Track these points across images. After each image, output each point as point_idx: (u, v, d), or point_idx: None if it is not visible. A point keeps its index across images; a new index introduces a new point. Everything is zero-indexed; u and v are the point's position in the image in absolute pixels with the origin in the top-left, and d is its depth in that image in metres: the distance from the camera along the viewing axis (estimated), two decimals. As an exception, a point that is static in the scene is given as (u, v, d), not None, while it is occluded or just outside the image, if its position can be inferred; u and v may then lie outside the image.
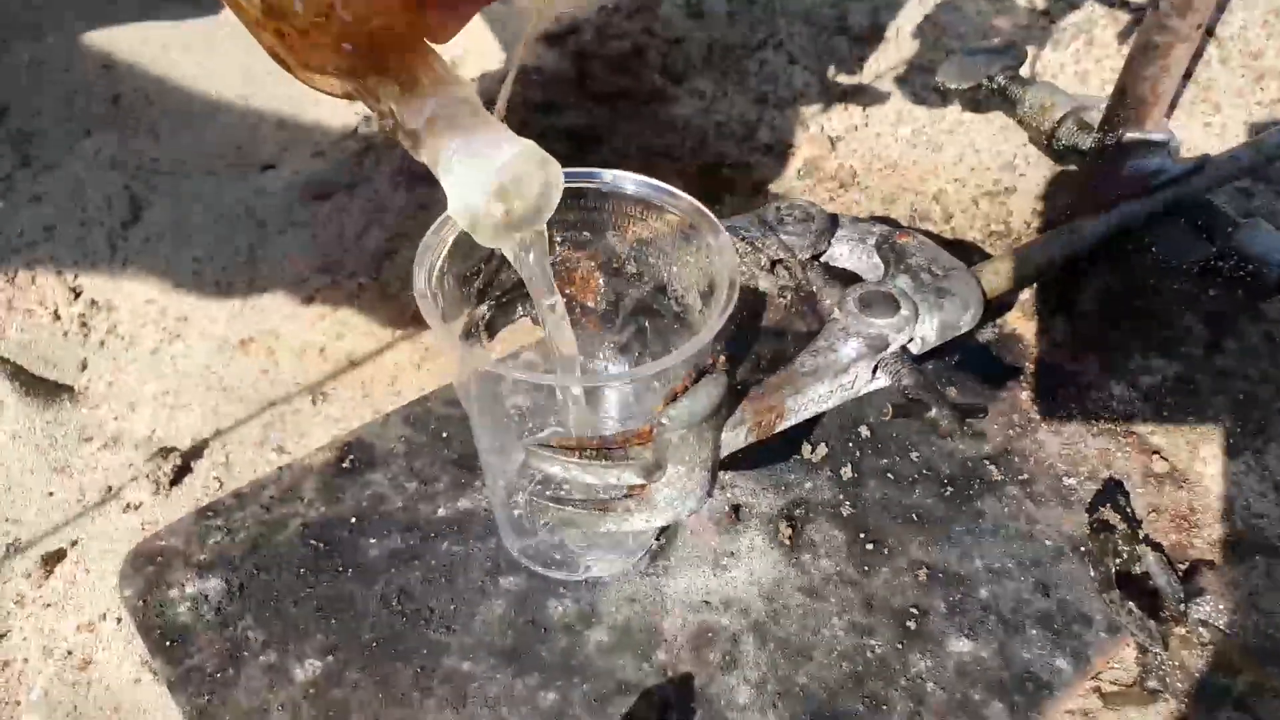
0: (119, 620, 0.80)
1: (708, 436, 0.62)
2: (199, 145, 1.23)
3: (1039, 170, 1.08)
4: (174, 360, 1.01)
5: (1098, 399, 0.91)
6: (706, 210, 0.68)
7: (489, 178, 0.58)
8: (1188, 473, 0.86)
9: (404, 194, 1.10)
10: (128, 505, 0.87)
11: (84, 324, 1.07)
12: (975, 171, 1.09)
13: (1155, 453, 0.87)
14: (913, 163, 1.12)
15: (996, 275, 0.77)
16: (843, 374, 0.68)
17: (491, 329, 0.75)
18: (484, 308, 0.74)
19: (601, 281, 0.76)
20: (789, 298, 0.80)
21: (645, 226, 0.72)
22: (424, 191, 1.10)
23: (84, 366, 1.03)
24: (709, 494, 0.67)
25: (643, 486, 0.64)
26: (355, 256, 1.05)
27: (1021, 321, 0.98)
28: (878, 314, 0.70)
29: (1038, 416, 0.90)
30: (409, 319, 1.00)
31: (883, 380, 0.71)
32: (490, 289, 0.73)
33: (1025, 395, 0.92)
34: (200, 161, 1.21)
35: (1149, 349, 0.94)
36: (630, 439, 0.63)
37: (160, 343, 1.04)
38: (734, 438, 0.66)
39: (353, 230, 1.08)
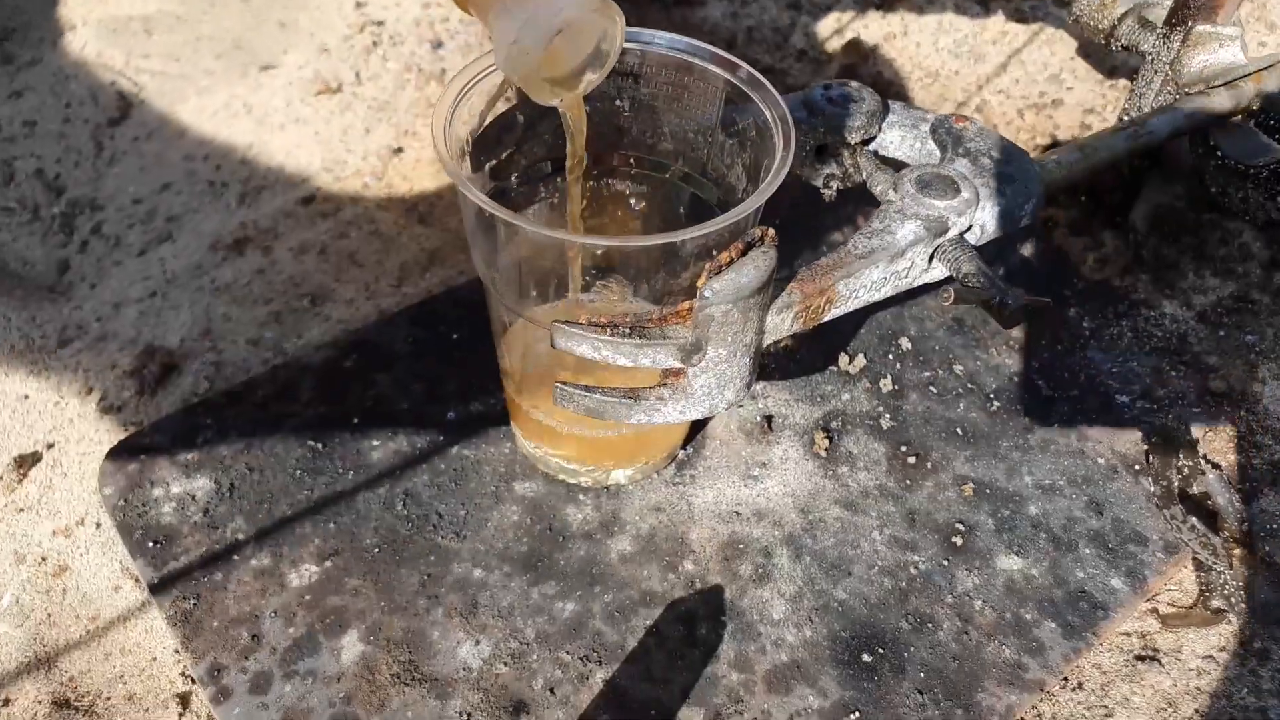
0: (98, 525, 0.74)
1: (753, 316, 0.56)
2: (193, 43, 1.16)
3: (1086, 84, 1.02)
4: (163, 261, 0.94)
5: (1149, 317, 0.86)
6: (757, 74, 0.62)
7: (547, 25, 0.51)
8: (1246, 393, 0.80)
9: (413, 91, 1.03)
10: (109, 406, 0.81)
11: (66, 224, 1.00)
12: (1020, 83, 1.03)
13: (1211, 371, 0.82)
14: (954, 73, 1.05)
15: (1059, 165, 0.71)
16: (899, 258, 0.62)
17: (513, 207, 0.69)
18: (506, 184, 0.67)
19: (634, 161, 0.69)
20: (834, 188, 0.74)
21: (687, 95, 0.65)
22: (434, 90, 1.03)
23: (65, 268, 0.96)
24: (749, 386, 0.61)
25: (679, 374, 0.59)
26: (360, 155, 0.99)
27: (1068, 238, 0.92)
28: (937, 195, 0.64)
29: (1087, 333, 0.85)
30: (416, 220, 0.93)
31: (939, 270, 0.65)
32: (511, 165, 0.67)
33: (1073, 312, 0.86)
34: (195, 59, 1.13)
35: (1204, 267, 0.88)
36: (668, 317, 0.57)
37: (149, 243, 0.97)
38: (780, 322, 0.60)
39: (358, 128, 1.01)
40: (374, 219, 0.93)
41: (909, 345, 0.82)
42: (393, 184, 0.96)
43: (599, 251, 0.65)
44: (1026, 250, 0.91)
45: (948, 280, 0.66)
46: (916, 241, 0.63)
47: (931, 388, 0.80)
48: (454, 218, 0.93)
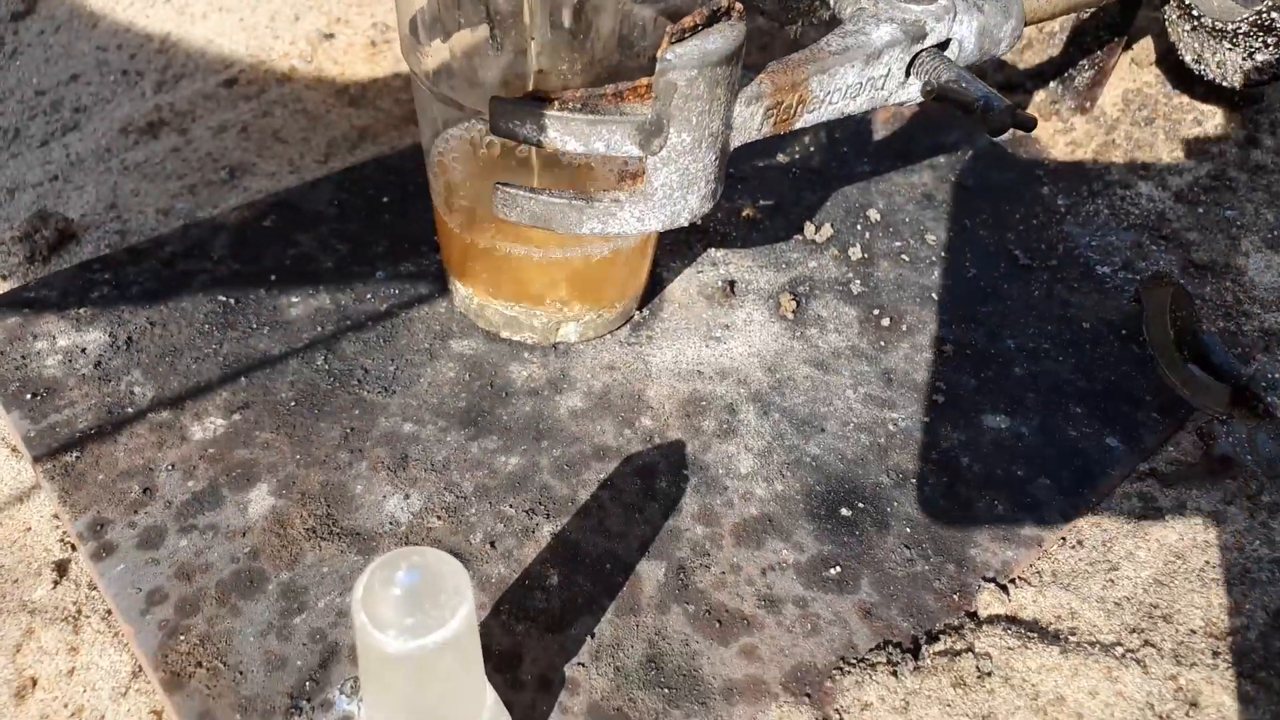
0: (-25, 397, 0.65)
1: (719, 95, 0.50)
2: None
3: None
4: (67, 148, 0.86)
5: (1125, 196, 0.81)
6: None
7: None
8: (1230, 265, 0.76)
9: (345, -20, 0.97)
10: (-5, 276, 0.72)
11: (-42, 119, 0.91)
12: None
13: (1193, 246, 0.78)
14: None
15: (1039, -3, 0.67)
16: (874, 61, 0.57)
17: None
18: None
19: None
20: (799, 25, 0.68)
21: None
22: (368, -20, 0.97)
23: (-45, 163, 0.88)
24: (715, 195, 0.55)
25: (636, 175, 0.52)
26: (288, 41, 0.91)
27: (1038, 122, 0.88)
28: (912, 0, 0.59)
29: (1062, 209, 0.80)
30: (347, 101, 0.86)
31: (915, 88, 0.60)
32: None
33: (1046, 190, 0.82)
34: (108, -39, 1.06)
35: (1177, 149, 0.84)
36: (624, 93, 0.50)
37: (52, 134, 0.89)
38: (749, 118, 0.54)
39: (287, 14, 0.94)
40: (301, 98, 0.85)
41: (878, 217, 0.77)
42: (323, 67, 0.89)
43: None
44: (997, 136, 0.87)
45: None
46: (893, 44, 0.57)
47: (903, 256, 0.75)
48: (388, 99, 0.86)
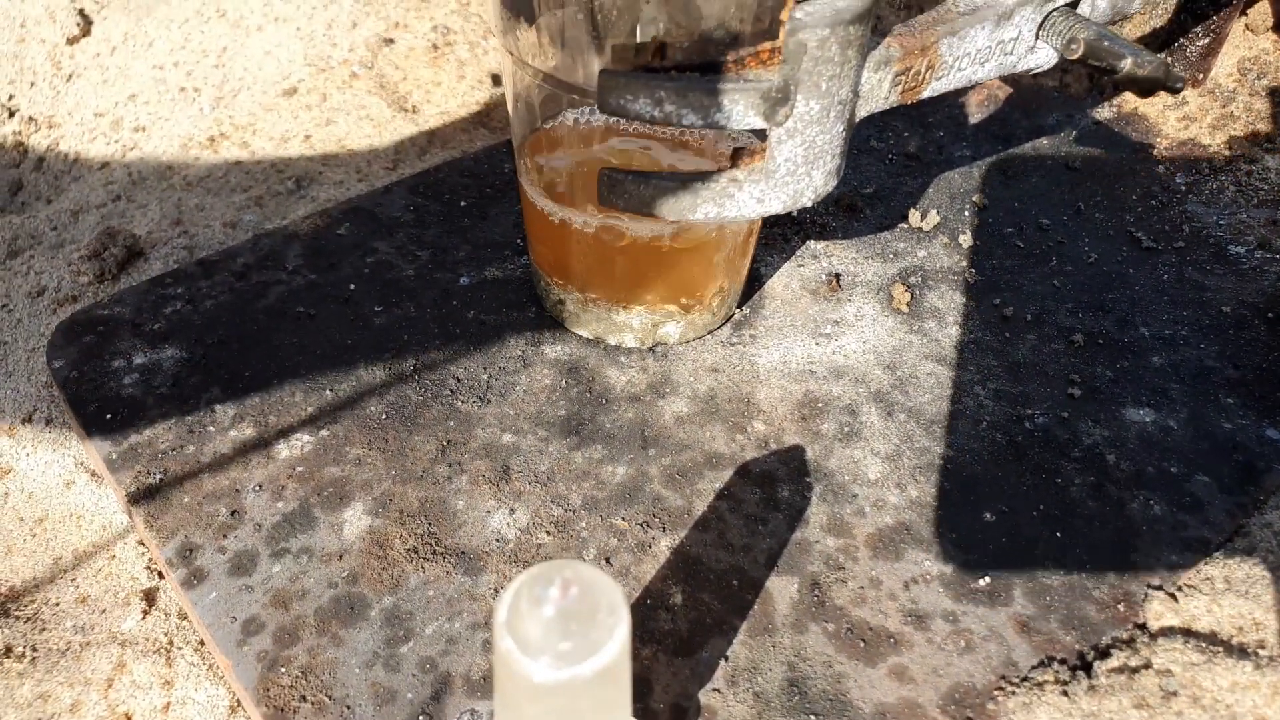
0: (48, 421, 0.62)
1: (850, 58, 0.45)
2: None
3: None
4: (129, 168, 0.83)
5: (1252, 171, 0.76)
6: None
7: None
8: (1375, 241, 0.70)
9: (404, -15, 0.94)
10: (64, 298, 0.69)
11: (19, 144, 0.89)
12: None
13: (1333, 222, 0.72)
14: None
15: (1166, -46, 0.62)
16: (1005, 23, 0.52)
17: None
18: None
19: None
20: (904, -6, 0.64)
21: None
22: (427, -15, 0.94)
23: (18, 188, 0.85)
24: (839, 171, 0.50)
25: (756, 152, 0.48)
26: (346, 48, 0.88)
27: (1142, 101, 0.83)
28: (1042, -43, 0.54)
29: (1182, 189, 0.75)
30: (411, 108, 0.82)
31: (1045, 53, 0.55)
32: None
33: (1161, 169, 0.76)
34: (162, -20, 1.04)
35: (1303, 121, 0.79)
36: (747, 60, 0.46)
37: (112, 155, 0.86)
38: (877, 85, 0.49)
39: (344, 22, 0.91)
40: (364, 105, 0.82)
41: (985, 202, 0.72)
42: (384, 73, 0.86)
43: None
44: (1100, 114, 0.82)
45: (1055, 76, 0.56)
46: (1025, 2, 0.53)
47: (1017, 242, 0.69)
48: (454, 102, 0.83)
